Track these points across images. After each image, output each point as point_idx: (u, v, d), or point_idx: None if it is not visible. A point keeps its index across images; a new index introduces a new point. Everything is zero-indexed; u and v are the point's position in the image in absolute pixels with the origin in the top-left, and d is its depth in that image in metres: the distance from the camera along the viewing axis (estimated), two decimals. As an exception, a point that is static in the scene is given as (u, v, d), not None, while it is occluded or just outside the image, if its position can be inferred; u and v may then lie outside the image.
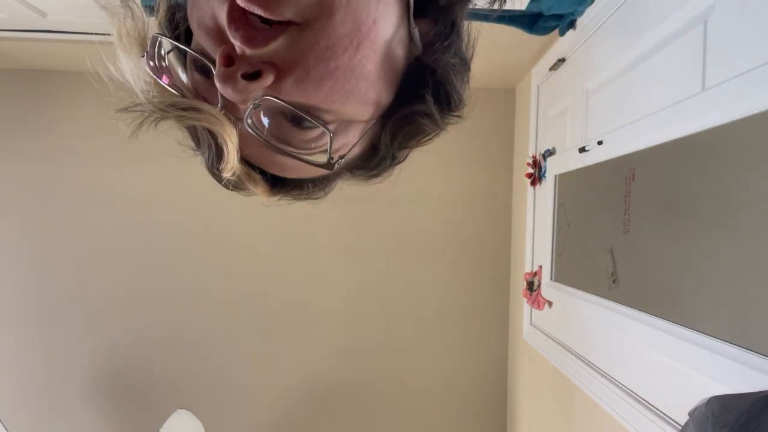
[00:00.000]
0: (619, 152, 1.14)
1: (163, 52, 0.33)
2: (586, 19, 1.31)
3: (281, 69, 0.30)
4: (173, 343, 2.28)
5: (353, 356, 2.31)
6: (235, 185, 0.37)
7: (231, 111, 0.32)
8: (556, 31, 1.40)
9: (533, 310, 1.83)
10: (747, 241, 0.75)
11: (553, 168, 1.63)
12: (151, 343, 2.28)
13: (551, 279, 1.64)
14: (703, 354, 0.82)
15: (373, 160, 0.41)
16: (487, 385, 2.34)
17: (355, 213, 2.28)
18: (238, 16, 0.27)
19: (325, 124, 0.33)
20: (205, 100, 0.32)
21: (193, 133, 0.35)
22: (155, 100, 0.31)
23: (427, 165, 2.27)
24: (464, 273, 2.31)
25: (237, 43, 0.28)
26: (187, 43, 0.34)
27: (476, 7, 0.43)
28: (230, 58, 0.29)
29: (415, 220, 2.29)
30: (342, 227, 2.29)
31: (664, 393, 0.97)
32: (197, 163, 0.38)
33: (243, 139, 0.33)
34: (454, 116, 0.40)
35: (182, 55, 0.33)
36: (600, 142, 1.23)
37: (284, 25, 0.29)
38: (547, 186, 1.67)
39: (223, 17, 0.28)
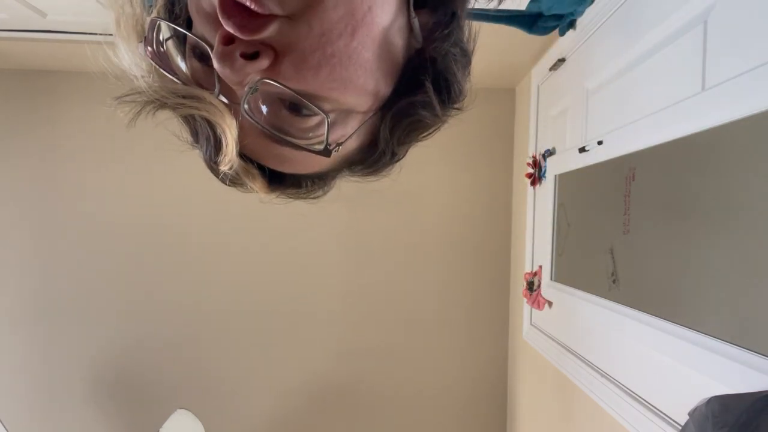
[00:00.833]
0: (619, 152, 1.14)
1: (161, 38, 0.33)
2: (586, 19, 1.31)
3: (279, 53, 0.30)
4: (173, 343, 2.28)
5: (353, 357, 2.31)
6: (233, 180, 0.37)
7: (228, 96, 0.32)
8: (556, 31, 1.40)
9: (533, 310, 1.83)
10: (747, 241, 0.75)
11: (553, 168, 1.63)
12: (152, 344, 2.28)
13: (551, 279, 1.64)
14: (703, 354, 0.82)
15: (373, 154, 0.40)
16: (487, 386, 2.34)
17: (355, 213, 2.28)
18: (229, 5, 0.27)
19: (322, 110, 0.32)
20: (204, 88, 0.32)
21: (192, 124, 0.35)
22: (154, 86, 0.31)
23: (427, 165, 2.27)
24: (464, 273, 2.31)
25: (230, 30, 0.28)
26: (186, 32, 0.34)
27: (476, 6, 0.43)
28: (229, 38, 0.29)
29: (415, 220, 2.29)
30: (342, 228, 2.29)
31: (664, 393, 0.97)
32: (198, 164, 0.38)
33: (241, 129, 0.33)
34: (454, 108, 0.40)
35: (181, 43, 0.33)
36: (600, 142, 1.23)
37: (275, 16, 0.29)
38: (547, 186, 1.67)
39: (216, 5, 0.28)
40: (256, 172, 0.37)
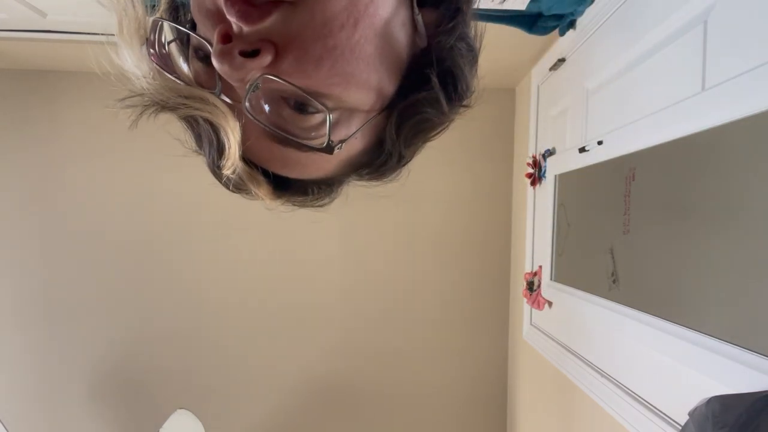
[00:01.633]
0: (619, 152, 1.14)
1: (164, 40, 0.33)
2: (586, 19, 1.31)
3: (279, 48, 0.29)
4: (173, 343, 2.28)
5: (353, 357, 2.31)
6: (237, 186, 0.36)
7: (230, 95, 0.32)
8: (556, 31, 1.40)
9: (533, 310, 1.83)
10: (747, 240, 0.75)
11: (553, 168, 1.63)
12: (152, 344, 2.28)
13: (551, 279, 1.64)
14: (703, 354, 0.82)
15: (379, 156, 0.39)
16: (487, 385, 2.34)
17: (355, 213, 2.28)
18: None
19: (325, 107, 0.32)
20: (206, 88, 0.32)
21: (194, 128, 0.34)
22: (156, 87, 0.31)
23: (427, 165, 2.27)
24: (464, 273, 2.31)
25: (233, 20, 0.28)
26: (188, 36, 0.33)
27: (479, 6, 0.44)
28: (228, 36, 0.29)
29: (415, 220, 2.29)
30: (342, 227, 2.29)
31: (664, 393, 0.97)
32: (198, 164, 0.37)
33: (244, 131, 0.32)
34: (461, 105, 0.39)
35: (184, 46, 0.33)
36: (600, 142, 1.23)
37: (279, 1, 0.29)
38: (547, 186, 1.67)
39: None
40: (260, 177, 0.36)
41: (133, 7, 0.32)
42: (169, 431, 1.84)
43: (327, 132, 0.33)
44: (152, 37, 0.32)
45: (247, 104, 0.31)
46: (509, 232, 2.31)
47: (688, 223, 0.90)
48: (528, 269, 1.89)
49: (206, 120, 0.31)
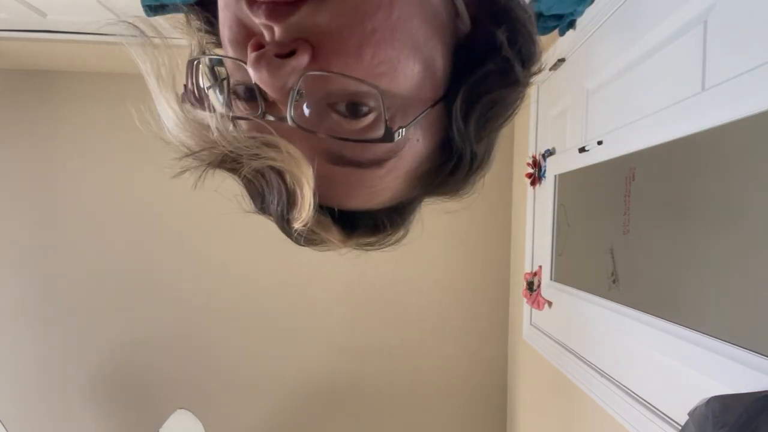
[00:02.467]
0: (619, 152, 1.14)
1: (200, 84, 0.30)
2: (586, 19, 1.31)
3: (315, 45, 0.27)
4: (173, 343, 2.28)
5: (353, 356, 2.31)
6: (308, 239, 0.33)
7: (274, 113, 0.29)
8: (556, 31, 1.40)
9: (533, 310, 1.83)
10: (747, 241, 0.75)
11: (553, 168, 1.63)
12: (151, 344, 2.28)
13: (551, 279, 1.64)
14: (703, 354, 0.82)
15: (448, 160, 0.34)
16: (487, 385, 2.34)
17: (355, 213, 2.28)
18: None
19: (375, 87, 0.28)
20: (252, 112, 0.29)
21: (257, 183, 0.30)
22: (228, 138, 0.28)
23: (427, 165, 2.27)
24: (464, 273, 2.31)
25: (261, 20, 0.26)
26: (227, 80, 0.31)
27: None
28: (261, 45, 0.27)
29: (414, 219, 2.29)
30: (342, 227, 2.29)
31: (664, 393, 0.97)
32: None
33: None
34: (533, 71, 0.34)
35: (223, 91, 0.31)
36: (600, 142, 1.23)
37: None
38: (547, 186, 1.67)
39: (243, 7, 0.26)
40: (328, 220, 0.33)
41: (165, 47, 0.30)
42: (169, 431, 1.84)
43: (383, 117, 0.29)
44: (189, 84, 0.29)
45: (291, 113, 0.28)
46: (509, 232, 2.31)
47: (688, 223, 0.90)
48: (528, 269, 1.89)
49: (276, 170, 0.28)
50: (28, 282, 2.25)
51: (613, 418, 1.17)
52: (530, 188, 1.88)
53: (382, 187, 0.33)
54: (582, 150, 1.33)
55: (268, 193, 0.30)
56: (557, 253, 1.61)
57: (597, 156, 1.26)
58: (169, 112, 0.29)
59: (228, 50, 0.30)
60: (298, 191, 0.28)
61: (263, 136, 0.28)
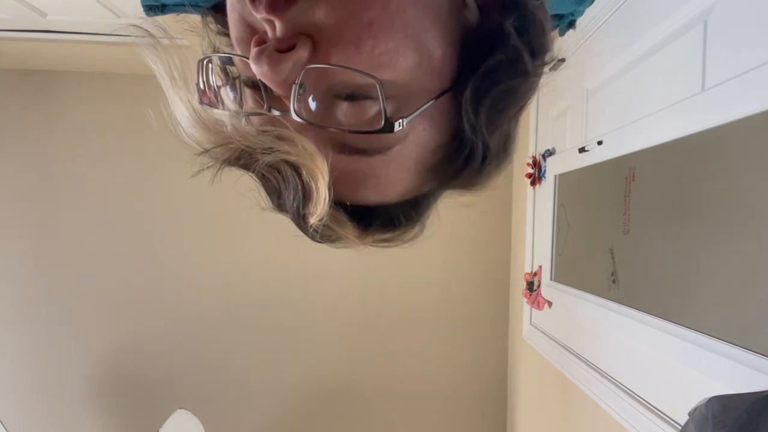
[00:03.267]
0: (619, 152, 1.14)
1: (212, 82, 0.31)
2: (586, 19, 1.31)
3: (315, 39, 0.28)
4: (173, 343, 2.28)
5: (353, 357, 2.31)
6: (324, 235, 0.33)
7: (279, 107, 0.30)
8: (556, 31, 1.40)
9: (533, 310, 1.83)
10: (747, 240, 0.75)
11: (553, 168, 1.63)
12: (152, 343, 2.28)
13: (551, 279, 1.64)
14: (703, 354, 0.82)
15: (460, 150, 0.34)
16: (487, 385, 2.34)
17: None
18: None
19: (375, 77, 0.28)
20: (263, 108, 0.30)
21: (273, 178, 0.30)
22: (242, 131, 0.28)
23: (427, 165, 2.27)
24: (464, 273, 2.31)
25: (261, 15, 0.26)
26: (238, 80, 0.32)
27: None
28: (263, 41, 0.28)
29: (415, 220, 2.29)
30: (342, 227, 2.29)
31: (664, 393, 0.97)
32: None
33: None
34: (545, 62, 0.33)
35: (234, 88, 0.32)
36: (600, 142, 1.23)
37: None
38: (547, 186, 1.67)
39: (247, 5, 0.27)
40: (343, 216, 0.33)
41: (176, 49, 0.30)
42: (169, 431, 1.84)
43: (382, 109, 0.28)
44: (201, 82, 0.30)
45: (295, 106, 0.28)
46: (509, 232, 2.31)
47: (688, 223, 0.90)
48: (528, 269, 1.89)
49: (291, 164, 0.28)
50: (29, 282, 2.25)
51: (613, 419, 1.17)
52: (530, 188, 1.88)
53: (392, 177, 0.33)
54: (582, 150, 1.33)
55: (284, 188, 0.30)
56: (557, 253, 1.61)
57: (597, 156, 1.26)
58: (183, 111, 0.30)
59: (236, 49, 0.30)
60: (313, 185, 0.28)
61: (276, 129, 0.28)
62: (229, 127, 0.28)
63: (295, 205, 0.30)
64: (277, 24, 0.27)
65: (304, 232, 0.33)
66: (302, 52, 0.27)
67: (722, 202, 0.81)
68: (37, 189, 2.24)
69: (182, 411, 1.93)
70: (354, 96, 0.29)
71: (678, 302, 0.92)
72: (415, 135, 0.32)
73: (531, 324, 1.88)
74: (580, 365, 1.36)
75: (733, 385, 0.74)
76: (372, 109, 0.29)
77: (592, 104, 1.35)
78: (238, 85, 0.31)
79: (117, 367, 2.29)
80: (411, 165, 0.33)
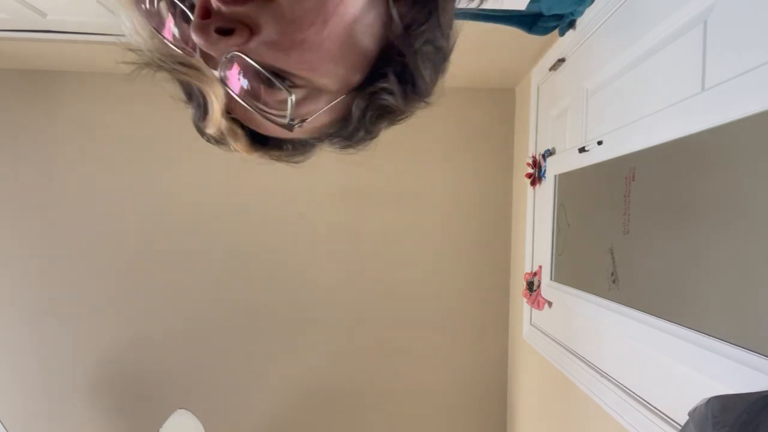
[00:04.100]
0: (619, 152, 1.14)
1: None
2: (586, 19, 1.31)
3: (254, 31, 0.32)
4: (173, 343, 2.28)
5: (353, 357, 2.31)
6: (216, 140, 0.40)
7: (208, 61, 0.34)
8: (556, 31, 1.41)
9: (533, 310, 1.83)
10: (747, 240, 0.75)
11: (553, 168, 1.63)
12: (152, 344, 2.28)
13: (551, 279, 1.64)
14: (703, 354, 0.82)
15: (347, 129, 0.42)
16: (487, 385, 2.34)
17: (356, 212, 2.28)
18: None
19: (289, 87, 0.34)
20: (189, 48, 0.34)
21: (186, 86, 0.38)
22: (152, 49, 0.33)
23: (428, 165, 2.27)
24: (464, 273, 2.31)
25: (217, 3, 0.30)
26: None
27: (468, 6, 0.44)
28: (207, 12, 0.30)
29: (415, 220, 2.29)
30: (342, 227, 2.29)
31: (664, 393, 0.98)
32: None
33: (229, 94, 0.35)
34: (420, 102, 0.41)
35: (173, 6, 0.35)
36: (600, 142, 1.23)
37: None
38: (547, 186, 1.67)
39: None
40: (240, 132, 0.40)
41: None
42: (169, 431, 1.84)
43: (289, 112, 0.35)
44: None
45: (222, 74, 0.33)
46: (509, 232, 2.31)
47: (688, 223, 0.90)
48: (528, 269, 1.89)
49: (195, 84, 0.34)
50: (29, 282, 2.25)
51: (613, 418, 1.17)
52: (530, 188, 1.88)
53: (290, 135, 0.40)
54: (582, 150, 1.33)
55: (191, 100, 0.38)
56: (557, 253, 1.61)
57: (597, 156, 1.26)
58: (125, 21, 0.34)
59: None
60: (210, 106, 0.35)
61: (182, 55, 0.33)
62: (142, 43, 0.33)
63: (197, 113, 0.38)
64: (226, 9, 0.30)
65: (200, 135, 0.41)
66: (236, 40, 0.31)
67: (722, 202, 0.81)
68: (37, 188, 2.24)
69: (182, 411, 1.93)
70: (270, 81, 0.34)
71: (678, 302, 0.92)
72: (310, 123, 0.39)
73: (531, 324, 1.88)
74: (580, 365, 1.36)
75: (733, 385, 0.74)
76: (281, 95, 0.35)
77: (592, 104, 1.35)
78: (177, 12, 0.35)
79: (117, 367, 2.29)
80: (306, 132, 0.41)
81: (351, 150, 0.45)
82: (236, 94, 0.34)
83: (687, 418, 0.69)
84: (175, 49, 0.33)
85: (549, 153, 1.68)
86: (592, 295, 1.29)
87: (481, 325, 2.32)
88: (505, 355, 2.33)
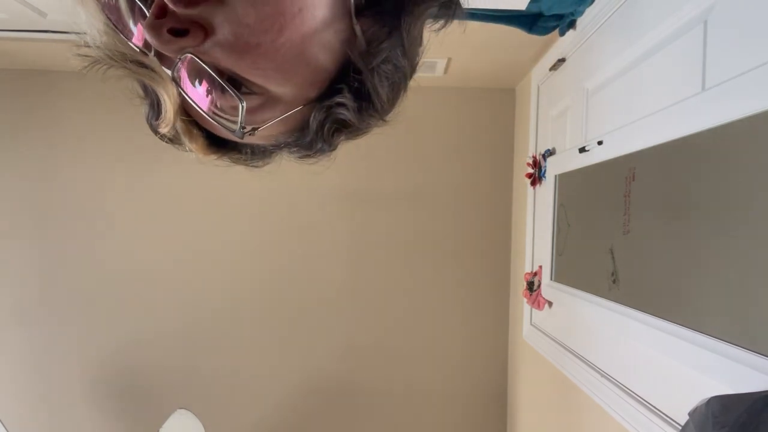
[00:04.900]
0: (619, 152, 1.14)
1: None
2: (586, 19, 1.31)
3: (208, 33, 0.31)
4: (174, 343, 2.28)
5: (353, 357, 2.31)
6: (171, 139, 0.39)
7: (163, 60, 0.33)
8: (556, 31, 1.41)
9: (533, 310, 1.83)
10: (747, 240, 0.75)
11: (553, 168, 1.63)
12: (151, 343, 2.28)
13: (551, 279, 1.64)
14: (703, 354, 0.82)
15: (304, 140, 0.41)
16: (487, 385, 2.34)
17: (356, 213, 2.28)
18: None
19: (245, 93, 0.34)
20: (145, 47, 0.33)
21: (142, 83, 0.37)
22: (105, 46, 0.32)
23: (428, 165, 2.27)
24: (464, 273, 2.31)
25: (173, 3, 0.29)
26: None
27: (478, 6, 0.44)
28: (163, 10, 0.30)
29: (415, 220, 2.29)
30: (343, 227, 2.29)
31: (664, 393, 0.98)
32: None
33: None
34: (377, 119, 0.41)
35: (131, 2, 0.34)
36: (600, 142, 1.23)
37: None
38: (547, 186, 1.67)
39: None
40: (197, 132, 0.39)
41: None
42: (169, 431, 1.84)
43: (240, 119, 0.34)
44: None
45: (175, 74, 0.32)
46: (509, 232, 2.31)
47: (688, 223, 0.90)
48: (528, 269, 1.89)
49: (148, 84, 0.34)
50: (29, 282, 2.25)
51: (613, 418, 1.17)
52: (530, 188, 1.88)
53: (242, 140, 0.39)
54: (582, 150, 1.33)
55: (146, 98, 0.38)
56: (557, 253, 1.61)
57: (597, 156, 1.26)
58: (81, 15, 0.33)
59: None
60: (164, 106, 0.34)
61: (134, 54, 0.32)
62: (96, 38, 0.32)
63: (150, 114, 0.38)
64: (178, 11, 0.30)
65: (154, 133, 0.39)
66: (189, 41, 0.30)
67: (722, 202, 0.81)
68: (37, 189, 2.24)
69: (182, 411, 1.93)
70: (222, 86, 0.33)
71: (678, 302, 0.92)
72: (264, 131, 0.38)
73: (531, 324, 1.88)
74: (580, 365, 1.36)
75: (733, 385, 0.74)
76: (235, 101, 0.34)
77: (593, 104, 1.35)
78: (135, 8, 0.34)
79: (117, 367, 2.29)
80: (257, 137, 0.39)
81: (311, 160, 0.44)
82: (188, 96, 0.33)
83: (687, 418, 0.69)
84: (132, 46, 0.32)
85: (549, 153, 1.68)
86: (593, 295, 1.29)
87: (482, 325, 2.32)
88: (506, 355, 2.33)
